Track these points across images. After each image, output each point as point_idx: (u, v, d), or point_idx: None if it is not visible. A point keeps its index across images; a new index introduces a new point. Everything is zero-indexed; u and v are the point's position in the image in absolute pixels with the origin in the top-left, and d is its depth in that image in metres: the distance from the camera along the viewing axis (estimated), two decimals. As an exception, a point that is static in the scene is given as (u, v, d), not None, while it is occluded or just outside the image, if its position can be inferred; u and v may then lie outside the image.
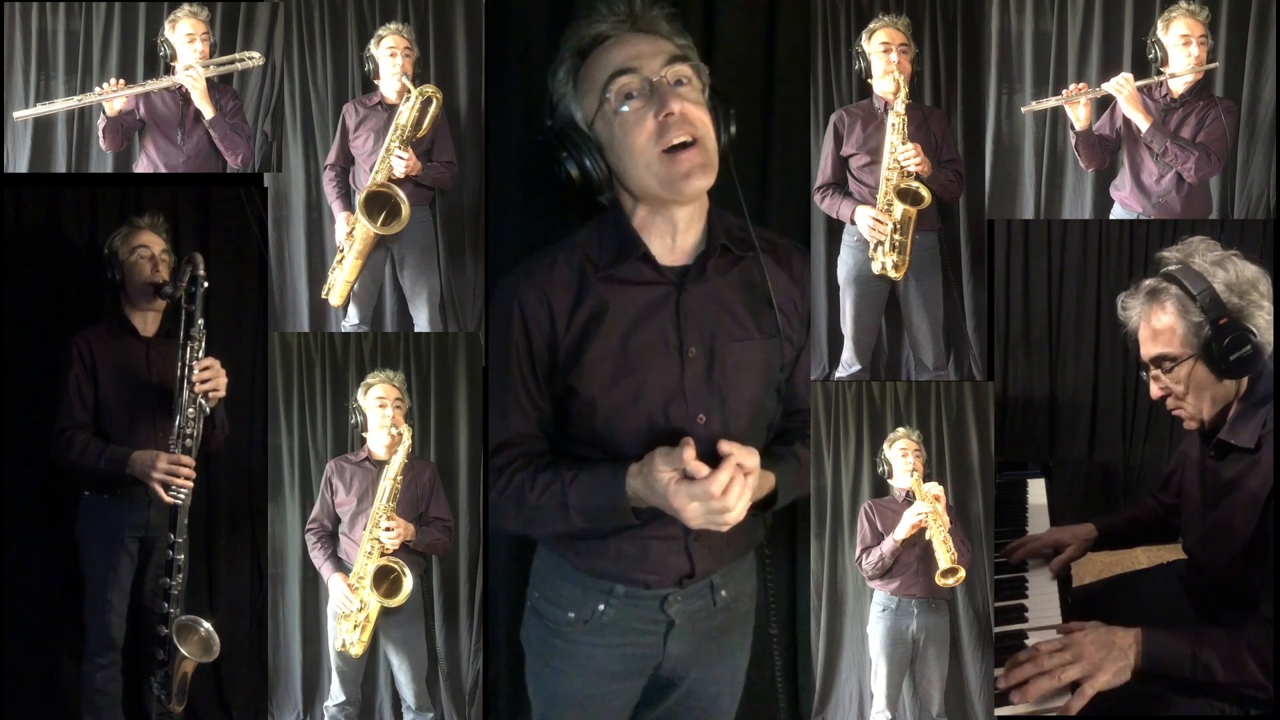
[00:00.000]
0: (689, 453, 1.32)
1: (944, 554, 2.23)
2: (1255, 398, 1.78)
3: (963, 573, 2.24)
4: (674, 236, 1.46)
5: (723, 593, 1.56)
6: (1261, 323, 1.73)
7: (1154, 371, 1.83)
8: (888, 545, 2.27)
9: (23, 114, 2.21)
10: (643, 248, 1.44)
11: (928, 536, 2.25)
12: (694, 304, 1.45)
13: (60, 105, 2.21)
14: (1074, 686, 1.67)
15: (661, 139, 1.37)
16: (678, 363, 1.43)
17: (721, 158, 1.43)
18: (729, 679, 1.65)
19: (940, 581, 2.24)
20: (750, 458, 1.35)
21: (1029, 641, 1.94)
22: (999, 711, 1.78)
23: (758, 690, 1.84)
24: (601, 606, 1.51)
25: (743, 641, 1.65)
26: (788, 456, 1.52)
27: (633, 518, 1.40)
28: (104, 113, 2.23)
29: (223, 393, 2.15)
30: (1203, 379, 1.78)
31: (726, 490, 1.31)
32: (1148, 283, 1.81)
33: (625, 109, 1.39)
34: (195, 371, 2.09)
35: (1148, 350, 1.82)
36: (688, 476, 1.33)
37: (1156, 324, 1.79)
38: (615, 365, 1.42)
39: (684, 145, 1.38)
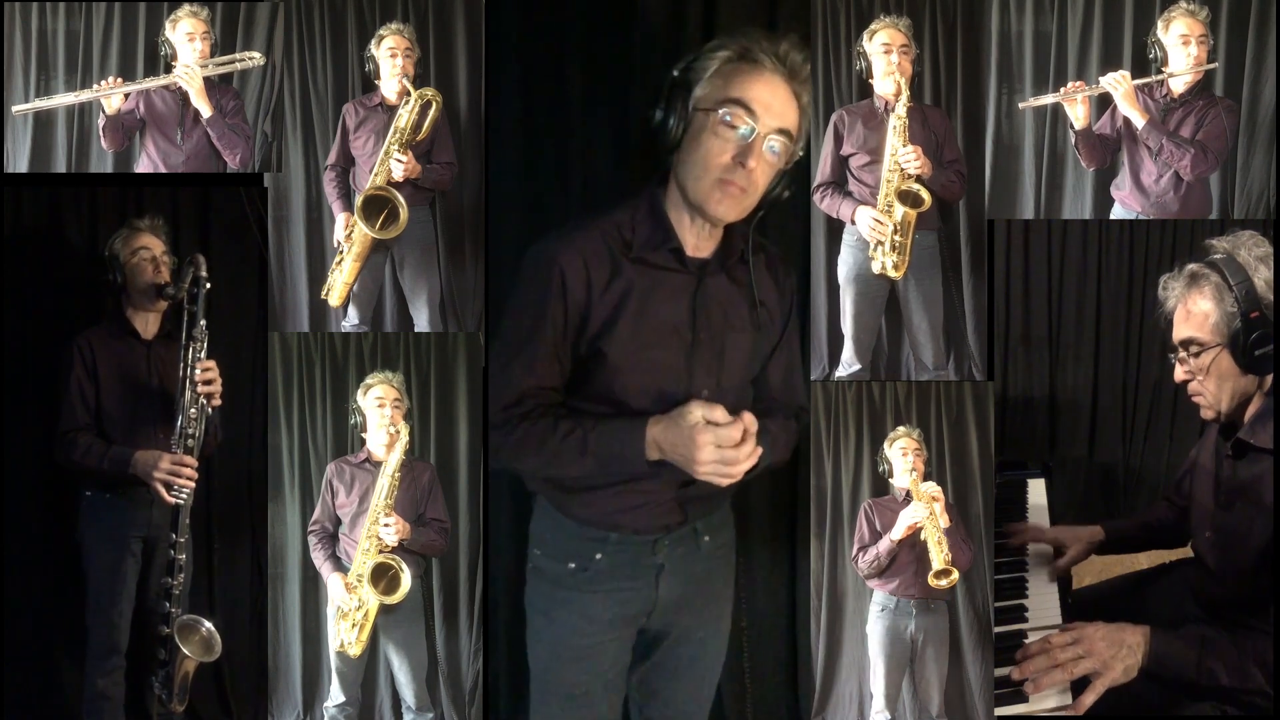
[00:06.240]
0: (721, 410, 1.50)
1: (938, 555, 2.23)
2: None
3: (956, 574, 2.24)
4: (698, 237, 1.61)
5: (705, 538, 1.70)
6: None
7: (1181, 354, 1.85)
8: (884, 545, 2.27)
9: (21, 108, 2.21)
10: (675, 241, 1.59)
11: (923, 538, 2.25)
12: (708, 294, 1.61)
13: (59, 100, 2.22)
14: (1080, 683, 1.68)
15: (725, 172, 1.51)
16: (689, 342, 1.59)
17: (762, 205, 1.59)
18: (714, 625, 1.77)
19: (933, 582, 2.24)
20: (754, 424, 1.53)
21: (1028, 641, 1.94)
22: (999, 711, 1.78)
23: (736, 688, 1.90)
24: (599, 555, 1.63)
25: (725, 589, 1.79)
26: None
27: (644, 465, 1.53)
28: (103, 111, 2.23)
29: (218, 397, 2.15)
30: (1226, 369, 1.80)
31: (742, 442, 1.49)
32: (1191, 267, 1.83)
33: (722, 128, 1.51)
34: (198, 373, 2.10)
35: (1179, 332, 1.85)
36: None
37: (1192, 307, 1.82)
38: (640, 338, 1.57)
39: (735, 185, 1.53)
